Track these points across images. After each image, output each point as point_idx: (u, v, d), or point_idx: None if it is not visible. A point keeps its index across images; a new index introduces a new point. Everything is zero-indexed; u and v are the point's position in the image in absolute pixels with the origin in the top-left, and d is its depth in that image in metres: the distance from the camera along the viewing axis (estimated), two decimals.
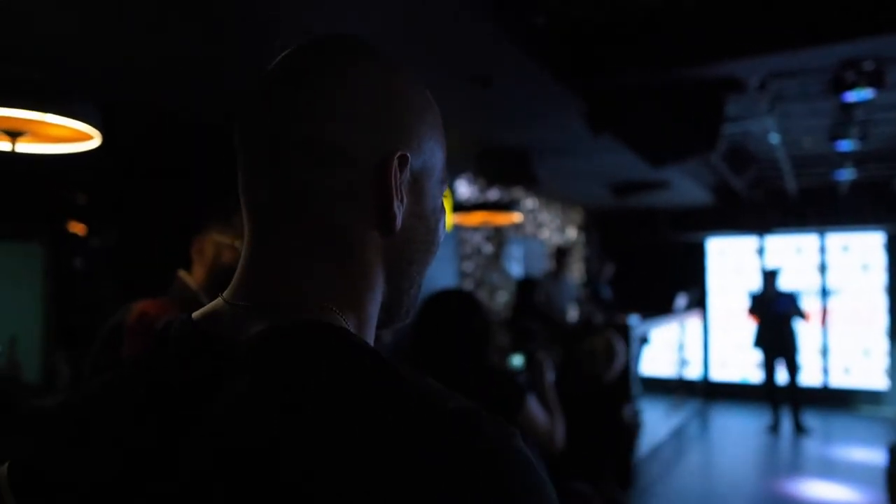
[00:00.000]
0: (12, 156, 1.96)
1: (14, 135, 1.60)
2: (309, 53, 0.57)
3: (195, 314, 0.55)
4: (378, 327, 0.60)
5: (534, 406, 2.12)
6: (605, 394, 3.60)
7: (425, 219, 0.59)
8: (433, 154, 0.59)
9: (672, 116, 3.96)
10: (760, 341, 7.05)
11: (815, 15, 3.25)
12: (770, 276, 7.03)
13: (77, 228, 4.41)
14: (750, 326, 7.48)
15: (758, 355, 7.25)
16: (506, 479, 0.41)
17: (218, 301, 0.55)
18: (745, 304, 7.39)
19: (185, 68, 3.29)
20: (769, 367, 7.02)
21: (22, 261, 4.46)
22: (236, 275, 0.56)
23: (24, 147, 1.65)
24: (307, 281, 0.53)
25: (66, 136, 1.71)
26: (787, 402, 6.93)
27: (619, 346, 3.65)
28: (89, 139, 1.78)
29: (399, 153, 0.54)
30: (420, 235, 0.59)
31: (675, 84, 3.81)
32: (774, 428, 6.84)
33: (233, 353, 0.48)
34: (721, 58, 3.49)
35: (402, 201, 0.55)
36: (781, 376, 6.99)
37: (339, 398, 0.43)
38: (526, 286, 5.91)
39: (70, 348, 4.05)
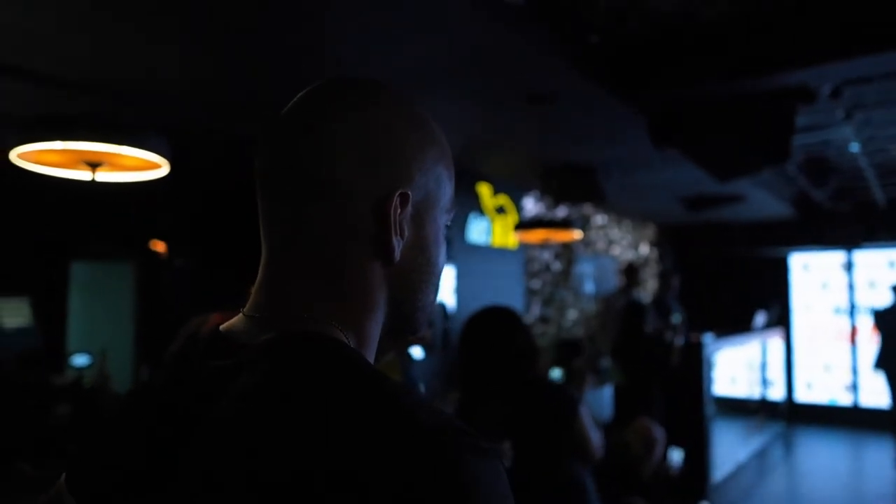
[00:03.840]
0: (105, 184, 2.16)
1: (93, 165, 1.78)
2: (320, 97, 0.62)
3: (223, 326, 0.63)
4: (389, 340, 0.66)
5: (585, 416, 2.15)
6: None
7: (426, 250, 0.63)
8: (438, 185, 0.64)
9: (738, 129, 3.86)
10: (884, 363, 6.42)
11: (887, 16, 3.12)
12: None
13: (162, 249, 4.71)
14: (841, 345, 7.07)
15: (881, 378, 6.60)
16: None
17: (239, 315, 0.63)
18: (870, 320, 6.78)
19: (261, 98, 3.49)
20: (894, 393, 6.39)
21: (114, 279, 4.81)
22: (253, 292, 0.63)
23: (102, 176, 1.83)
24: (313, 301, 0.59)
25: (139, 165, 1.88)
26: None
27: (658, 433, 3.35)
28: (158, 168, 1.95)
29: (400, 191, 0.59)
30: (420, 266, 0.63)
31: (740, 96, 3.72)
32: None
33: (246, 353, 0.55)
34: (787, 67, 3.39)
35: (401, 235, 0.60)
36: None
37: (329, 400, 0.49)
38: (634, 311, 5.32)
39: (156, 361, 4.31)
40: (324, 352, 0.55)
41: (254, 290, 0.63)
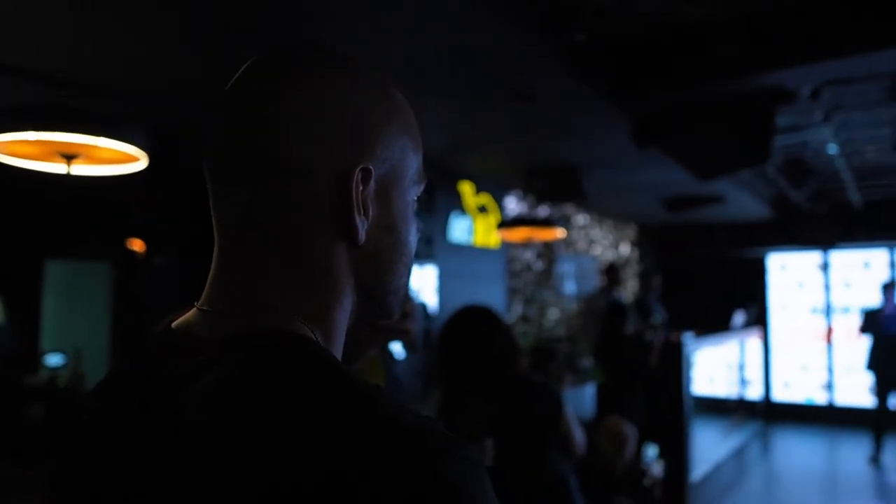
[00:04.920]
0: (81, 180, 2.11)
1: (69, 157, 1.73)
2: (269, 66, 0.56)
3: (176, 322, 0.58)
4: (361, 329, 0.63)
5: (570, 414, 2.15)
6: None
7: (394, 228, 0.58)
8: (403, 158, 0.58)
9: (719, 129, 3.89)
10: (875, 363, 6.39)
11: (868, 18, 3.15)
12: (889, 291, 6.38)
13: (141, 248, 4.64)
14: (817, 345, 7.09)
15: (869, 378, 6.55)
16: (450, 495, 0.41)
17: (193, 310, 0.57)
18: (859, 321, 6.69)
19: None
20: (882, 393, 6.35)
21: (92, 279, 4.73)
22: (207, 284, 0.57)
23: (78, 169, 1.78)
24: (273, 291, 0.54)
25: (116, 158, 1.84)
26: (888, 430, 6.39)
27: (629, 431, 3.35)
28: (137, 161, 1.90)
29: (361, 167, 0.54)
30: (388, 246, 0.58)
31: (722, 96, 3.74)
32: (876, 459, 6.28)
33: (206, 353, 0.51)
34: (767, 68, 3.42)
35: (365, 215, 0.55)
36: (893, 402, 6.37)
37: (295, 401, 0.45)
38: (615, 311, 5.27)
39: None
40: (290, 351, 0.50)
41: (207, 282, 0.57)
